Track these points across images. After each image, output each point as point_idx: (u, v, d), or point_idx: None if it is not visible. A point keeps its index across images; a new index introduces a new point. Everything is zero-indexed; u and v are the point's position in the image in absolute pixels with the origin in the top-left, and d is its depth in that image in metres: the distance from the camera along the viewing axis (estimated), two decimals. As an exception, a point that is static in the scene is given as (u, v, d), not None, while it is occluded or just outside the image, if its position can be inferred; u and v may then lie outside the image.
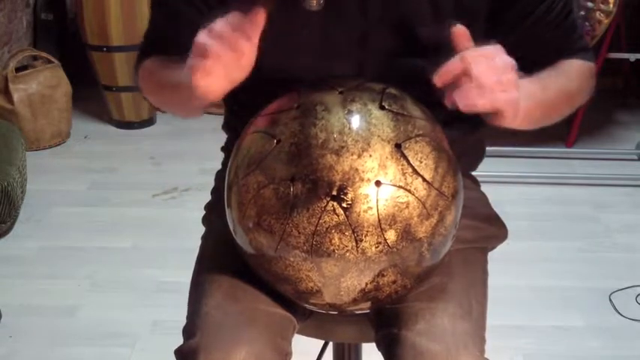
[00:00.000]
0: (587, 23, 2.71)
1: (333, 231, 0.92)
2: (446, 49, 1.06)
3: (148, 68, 1.13)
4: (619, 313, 2.17)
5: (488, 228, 1.27)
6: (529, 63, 1.00)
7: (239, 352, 1.00)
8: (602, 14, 2.69)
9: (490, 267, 1.25)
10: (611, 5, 2.69)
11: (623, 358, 2.02)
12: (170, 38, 1.09)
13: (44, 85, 3.14)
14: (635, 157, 3.13)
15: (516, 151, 3.06)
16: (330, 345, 1.39)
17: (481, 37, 1.07)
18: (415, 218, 0.94)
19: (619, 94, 3.65)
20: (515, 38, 1.07)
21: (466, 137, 1.16)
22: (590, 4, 2.69)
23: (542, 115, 1.02)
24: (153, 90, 1.13)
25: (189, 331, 1.06)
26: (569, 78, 1.10)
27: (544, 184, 2.89)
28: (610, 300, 2.22)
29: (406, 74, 1.02)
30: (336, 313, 1.06)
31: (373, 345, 1.14)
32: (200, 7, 1.07)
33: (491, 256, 1.28)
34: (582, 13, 2.71)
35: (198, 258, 1.21)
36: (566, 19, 1.12)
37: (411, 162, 0.94)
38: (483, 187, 1.33)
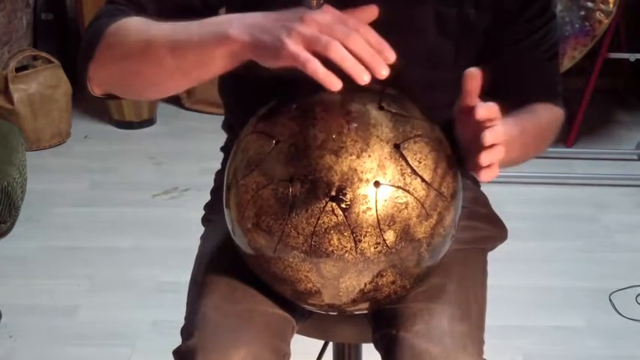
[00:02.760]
0: (587, 23, 2.71)
1: (331, 231, 0.92)
2: (447, 61, 1.06)
3: (133, 26, 0.96)
4: (619, 313, 2.17)
5: (488, 228, 1.27)
6: (507, 93, 1.00)
7: (237, 353, 1.00)
8: (602, 14, 2.69)
9: (490, 267, 1.25)
10: (611, 5, 2.68)
11: (623, 358, 2.02)
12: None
13: (44, 85, 3.14)
14: (635, 157, 3.12)
15: (516, 151, 3.05)
16: (330, 345, 1.39)
17: (477, 52, 1.08)
18: (414, 219, 0.93)
19: (619, 94, 3.64)
20: (501, 60, 1.08)
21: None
22: (590, 4, 2.69)
23: (514, 158, 1.02)
24: (129, 54, 0.96)
25: (187, 332, 1.06)
26: (547, 124, 1.12)
27: (544, 184, 2.89)
28: (610, 300, 2.22)
29: (407, 83, 1.01)
30: (335, 313, 1.06)
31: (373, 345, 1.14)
32: None
33: (491, 256, 1.28)
34: (582, 13, 2.70)
35: (197, 258, 1.21)
36: (551, 60, 1.14)
37: (410, 162, 0.93)
38: (483, 187, 1.33)
